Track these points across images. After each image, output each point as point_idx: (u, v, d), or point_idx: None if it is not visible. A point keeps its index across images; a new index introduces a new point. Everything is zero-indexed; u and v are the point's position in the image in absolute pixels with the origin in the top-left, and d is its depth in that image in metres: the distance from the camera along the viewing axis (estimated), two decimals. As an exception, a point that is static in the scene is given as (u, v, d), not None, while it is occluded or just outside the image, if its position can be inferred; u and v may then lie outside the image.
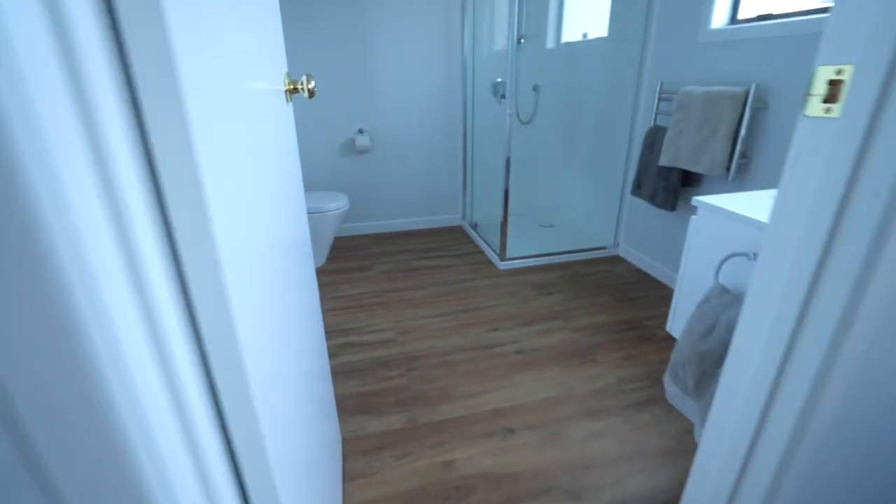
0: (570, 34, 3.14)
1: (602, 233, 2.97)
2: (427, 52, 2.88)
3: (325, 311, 2.22)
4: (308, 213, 2.60)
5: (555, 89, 3.22)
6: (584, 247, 2.82)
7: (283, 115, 0.88)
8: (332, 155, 2.96)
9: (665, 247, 2.42)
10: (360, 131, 2.94)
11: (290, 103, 0.96)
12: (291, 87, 0.89)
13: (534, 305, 2.25)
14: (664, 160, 2.07)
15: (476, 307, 2.24)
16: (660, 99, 2.23)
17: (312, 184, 2.99)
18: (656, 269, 2.50)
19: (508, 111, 2.34)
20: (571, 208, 3.35)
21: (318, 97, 2.79)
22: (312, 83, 0.91)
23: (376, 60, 2.81)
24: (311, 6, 2.60)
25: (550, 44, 3.23)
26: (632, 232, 2.70)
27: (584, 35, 3.06)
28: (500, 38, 3.02)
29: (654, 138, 2.20)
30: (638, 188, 2.35)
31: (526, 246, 2.90)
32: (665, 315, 2.13)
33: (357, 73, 2.81)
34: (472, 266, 2.71)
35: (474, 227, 3.18)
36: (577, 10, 3.06)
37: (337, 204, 2.57)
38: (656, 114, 2.26)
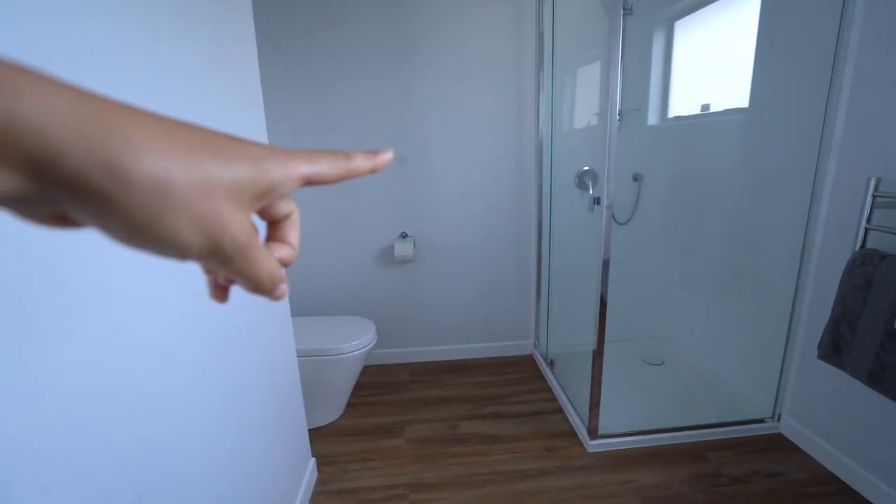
0: (682, 106, 2.35)
1: (746, 391, 1.95)
2: (492, 137, 2.23)
3: (312, 526, 1.44)
4: (318, 355, 1.94)
5: (664, 180, 2.39)
6: (723, 418, 1.82)
7: None
8: (364, 266, 2.33)
9: None
10: (403, 236, 2.30)
11: None
12: None
13: (654, 558, 1.29)
14: (910, 323, 1.12)
15: (551, 547, 1.33)
16: (874, 206, 1.31)
17: (334, 305, 2.35)
18: (877, 491, 1.43)
19: (607, 202, 1.56)
20: (691, 344, 2.36)
21: (351, 195, 2.22)
22: None
23: (426, 148, 2.21)
24: (343, 80, 2.10)
25: (653, 119, 2.46)
26: (811, 405, 1.66)
27: (705, 107, 2.25)
28: (588, 117, 2.31)
29: (874, 273, 1.26)
30: (836, 351, 1.38)
31: (626, 400, 1.96)
32: None
33: (401, 164, 2.22)
34: (546, 441, 1.81)
35: (550, 364, 2.30)
36: (692, 71, 2.28)
37: (358, 341, 1.87)
38: (866, 229, 1.33)
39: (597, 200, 1.59)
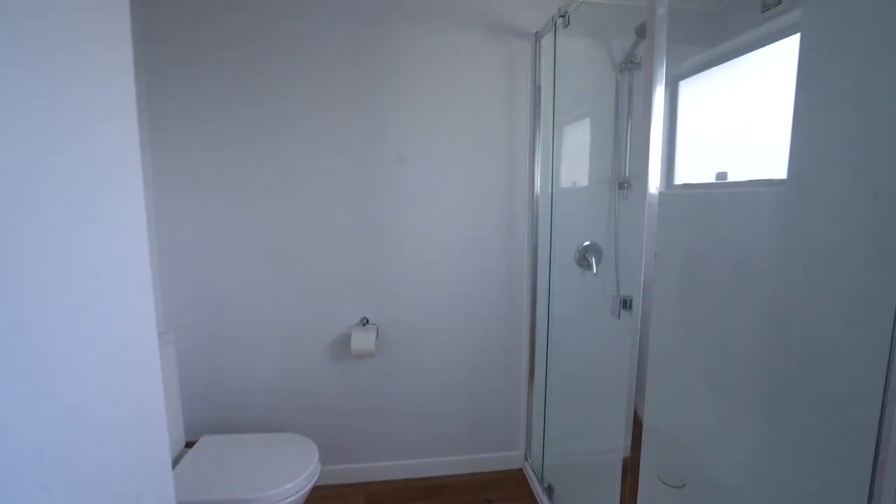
0: (692, 173, 2.05)
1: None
2: (477, 205, 1.84)
3: None
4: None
5: (679, 259, 2.03)
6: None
7: None
8: (309, 362, 1.81)
9: None
10: (363, 324, 1.82)
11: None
12: None
13: None
14: None
15: None
16: None
17: (267, 416, 1.80)
18: None
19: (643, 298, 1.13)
20: (718, 457, 1.92)
21: (294, 270, 1.74)
22: None
23: (395, 217, 1.79)
24: (294, 128, 1.68)
25: (659, 186, 2.13)
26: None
27: (721, 175, 1.95)
28: (594, 184, 1.96)
29: None
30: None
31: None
32: None
33: (365, 234, 1.77)
34: None
35: (548, 490, 1.80)
36: (702, 135, 2.00)
37: (293, 483, 1.34)
38: None
39: (626, 303, 1.17)
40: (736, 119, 1.86)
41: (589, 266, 1.90)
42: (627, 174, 1.88)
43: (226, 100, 1.63)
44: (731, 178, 1.92)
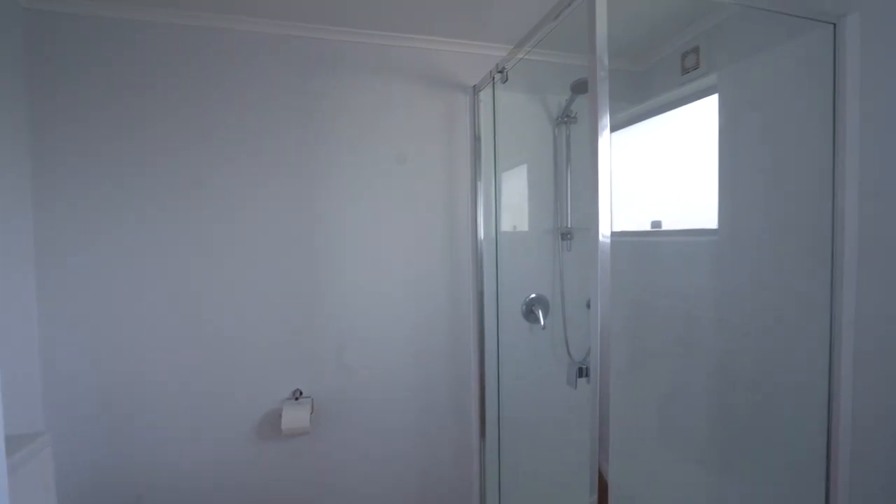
0: (626, 222, 2.10)
1: None
2: (419, 262, 1.74)
3: None
4: None
5: (624, 308, 2.03)
6: None
7: None
8: (231, 447, 1.56)
9: None
10: (297, 397, 1.61)
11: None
12: None
13: None
14: None
15: None
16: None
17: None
18: None
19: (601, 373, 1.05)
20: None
21: (211, 337, 1.53)
22: None
23: (330, 277, 1.64)
24: (213, 188, 1.52)
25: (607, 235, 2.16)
26: None
27: (656, 224, 2.01)
28: (534, 234, 1.93)
29: None
30: None
31: None
32: None
33: (296, 295, 1.60)
34: None
35: (509, 572, 1.64)
36: (635, 184, 2.06)
37: None
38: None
39: (582, 371, 1.10)
40: (667, 170, 1.94)
41: (536, 319, 1.85)
42: (570, 225, 1.88)
43: (123, 152, 1.44)
44: (665, 227, 1.98)
